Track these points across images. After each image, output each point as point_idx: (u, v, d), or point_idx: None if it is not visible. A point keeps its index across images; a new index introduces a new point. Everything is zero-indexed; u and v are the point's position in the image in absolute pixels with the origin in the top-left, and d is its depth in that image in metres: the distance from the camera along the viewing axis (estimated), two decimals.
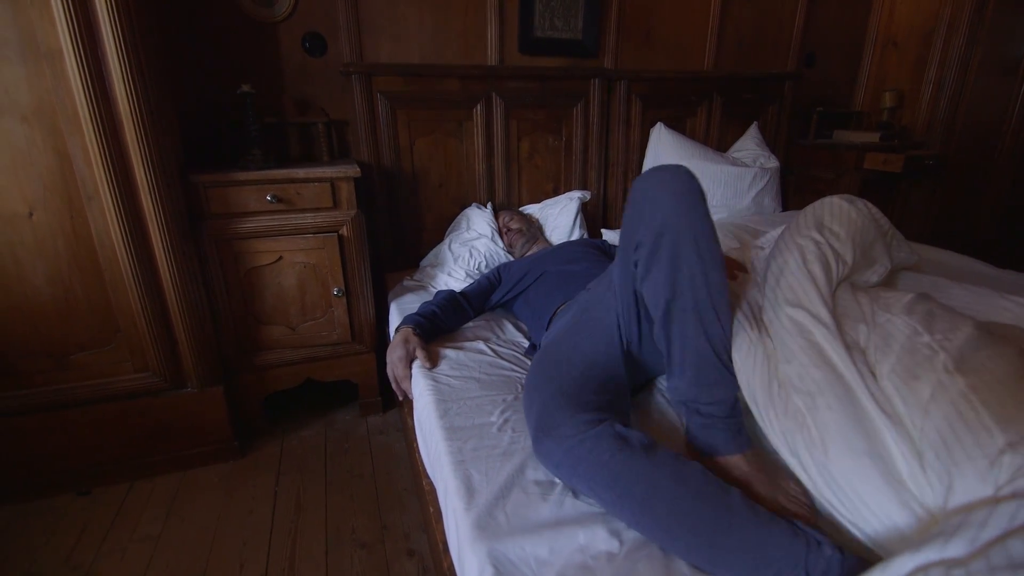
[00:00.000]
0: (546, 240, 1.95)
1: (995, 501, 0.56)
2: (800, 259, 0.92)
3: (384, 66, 1.82)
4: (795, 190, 2.62)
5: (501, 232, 1.90)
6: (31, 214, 1.28)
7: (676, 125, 2.29)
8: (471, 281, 1.76)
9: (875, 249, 1.05)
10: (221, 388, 1.55)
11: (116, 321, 1.42)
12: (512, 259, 1.83)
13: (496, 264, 1.80)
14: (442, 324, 1.35)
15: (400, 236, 2.00)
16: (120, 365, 1.45)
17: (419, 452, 1.23)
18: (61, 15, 1.16)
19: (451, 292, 1.45)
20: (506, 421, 1.03)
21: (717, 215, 2.05)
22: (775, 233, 1.33)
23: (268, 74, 1.75)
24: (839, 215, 0.99)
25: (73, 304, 1.38)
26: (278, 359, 1.66)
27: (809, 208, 1.04)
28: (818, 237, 0.96)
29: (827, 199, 1.04)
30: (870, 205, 1.08)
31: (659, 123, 2.24)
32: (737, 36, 2.39)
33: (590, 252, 1.55)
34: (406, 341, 1.25)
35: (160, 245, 1.37)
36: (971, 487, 0.59)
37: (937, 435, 0.66)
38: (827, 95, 2.71)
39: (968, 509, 0.58)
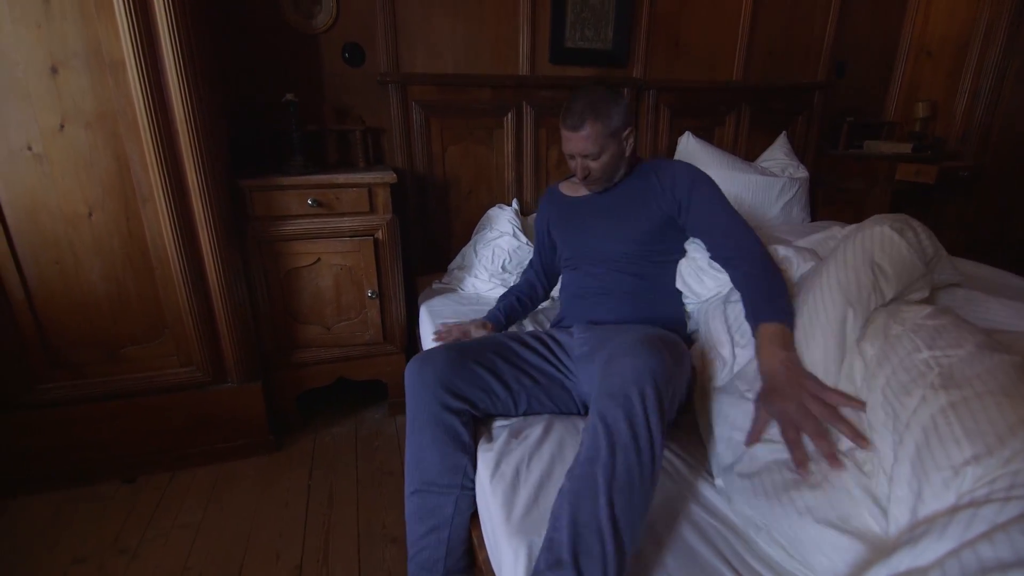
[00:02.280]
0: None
1: (953, 511, 0.58)
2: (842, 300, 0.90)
3: (419, 76, 1.88)
4: (824, 201, 2.60)
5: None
6: (90, 214, 1.36)
7: (704, 134, 2.30)
8: (495, 283, 1.79)
9: (917, 283, 0.99)
10: (260, 384, 1.62)
11: (164, 317, 1.49)
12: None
13: (519, 262, 1.79)
14: (514, 313, 1.42)
15: (430, 240, 2.05)
16: (167, 359, 1.53)
17: None
18: (125, 28, 1.24)
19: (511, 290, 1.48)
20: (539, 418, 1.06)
21: None
22: (806, 242, 1.32)
23: (310, 83, 1.82)
24: (891, 251, 0.92)
25: (125, 300, 1.45)
26: (313, 357, 1.71)
27: (859, 237, 0.96)
28: (865, 280, 0.89)
29: (879, 228, 0.95)
30: (919, 230, 1.02)
31: (687, 132, 2.25)
32: (767, 45, 2.39)
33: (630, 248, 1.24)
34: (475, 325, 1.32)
35: (208, 246, 1.43)
36: (937, 496, 0.61)
37: (913, 446, 0.67)
38: (858, 105, 2.69)
39: (931, 520, 0.60)
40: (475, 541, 1.00)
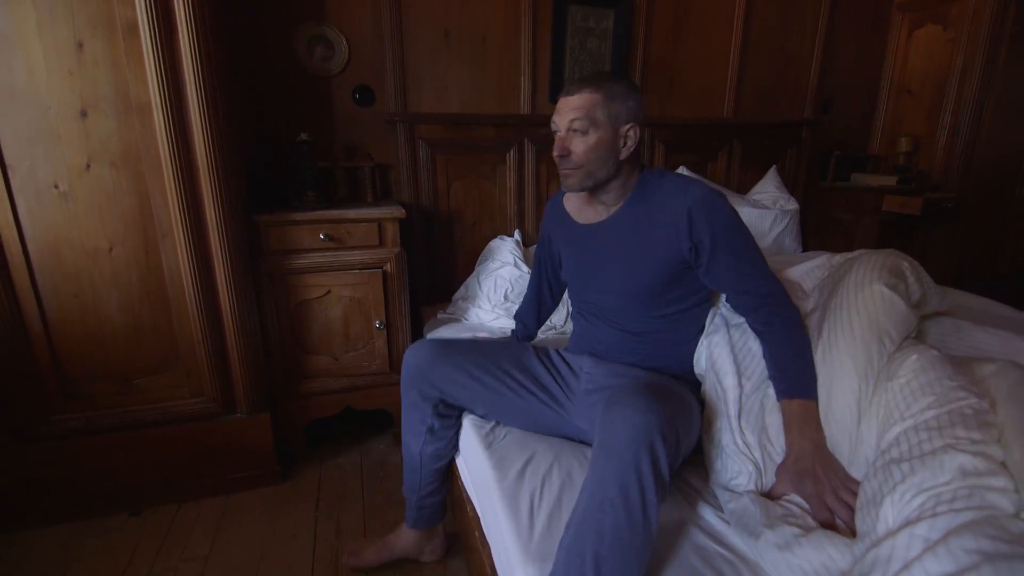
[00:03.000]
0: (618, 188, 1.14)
1: (893, 534, 0.65)
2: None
3: (426, 115, 1.96)
4: (815, 231, 2.69)
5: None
6: (111, 249, 1.41)
7: (698, 168, 2.40)
8: (498, 312, 1.84)
9: (912, 331, 1.05)
10: (268, 414, 1.64)
11: (177, 348, 1.52)
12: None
13: (520, 291, 1.82)
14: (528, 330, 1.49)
15: (435, 272, 2.10)
16: (178, 390, 1.55)
17: (461, 480, 1.29)
18: (154, 74, 1.31)
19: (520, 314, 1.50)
20: (549, 447, 1.09)
21: None
22: (793, 273, 1.38)
23: (321, 122, 1.90)
24: (893, 314, 0.96)
25: (140, 332, 1.48)
26: (321, 387, 1.74)
27: (861, 301, 0.99)
28: (875, 350, 0.93)
29: (878, 289, 1.00)
30: (907, 272, 1.07)
31: (682, 167, 2.34)
32: (756, 85, 2.51)
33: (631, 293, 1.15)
34: None
35: (223, 279, 1.48)
36: (888, 517, 0.69)
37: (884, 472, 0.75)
38: (844, 139, 2.81)
39: (879, 542, 0.67)
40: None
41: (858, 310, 0.97)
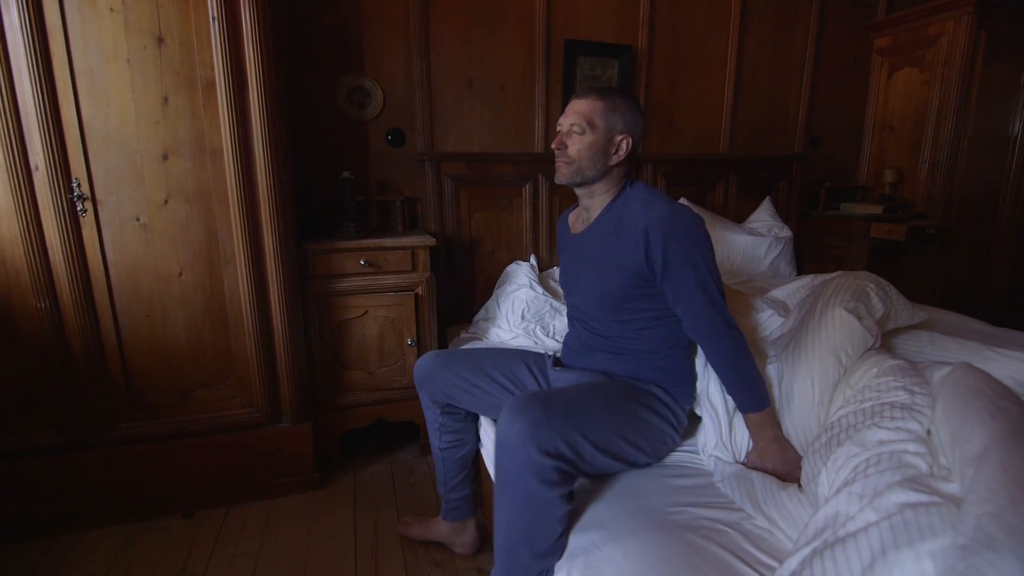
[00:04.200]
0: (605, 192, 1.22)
1: (836, 494, 0.82)
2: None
3: (451, 154, 2.19)
4: (809, 257, 2.87)
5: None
6: (180, 274, 1.60)
7: (697, 199, 2.60)
8: (516, 331, 1.99)
9: (872, 344, 1.22)
10: (310, 424, 1.79)
11: (233, 363, 1.69)
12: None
13: (536, 311, 1.97)
14: None
15: (457, 294, 2.28)
16: (231, 401, 1.71)
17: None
18: (226, 124, 1.53)
19: None
20: None
21: (736, 280, 2.30)
22: (780, 292, 1.57)
23: (358, 161, 2.13)
24: (851, 335, 1.15)
25: (201, 348, 1.66)
26: (356, 400, 1.90)
27: (825, 326, 1.18)
28: (832, 367, 1.12)
29: (839, 313, 1.18)
30: (872, 293, 1.27)
31: (683, 198, 2.55)
32: (748, 124, 2.74)
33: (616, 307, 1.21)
34: None
35: (276, 301, 1.67)
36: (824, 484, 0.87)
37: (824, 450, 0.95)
38: (833, 172, 3.02)
39: (826, 504, 0.83)
40: None
41: (819, 331, 1.17)
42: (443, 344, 2.10)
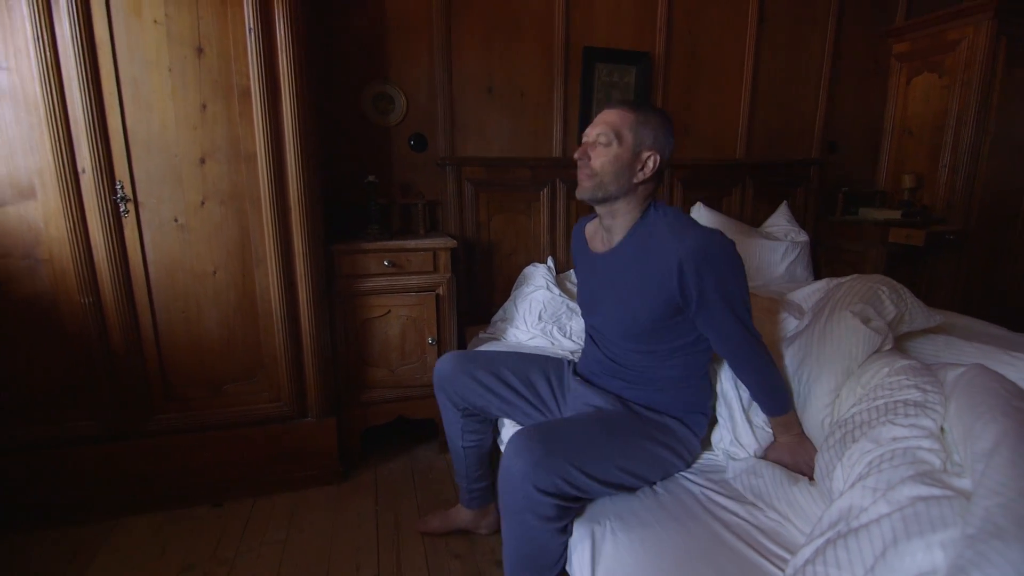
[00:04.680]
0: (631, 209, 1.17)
1: (851, 488, 0.85)
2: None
3: (471, 159, 2.24)
4: (827, 261, 2.87)
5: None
6: (215, 272, 1.67)
7: (713, 203, 2.63)
8: (534, 332, 2.03)
9: (882, 346, 1.24)
10: (334, 419, 1.85)
11: (262, 359, 1.76)
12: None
13: (553, 312, 2.00)
14: None
15: (476, 295, 2.33)
16: (259, 395, 1.78)
17: None
18: (260, 130, 1.61)
19: None
20: None
21: (753, 283, 2.32)
22: (798, 294, 1.59)
23: (381, 165, 2.19)
24: (857, 338, 1.18)
25: (232, 344, 1.73)
26: (378, 397, 1.96)
27: (833, 329, 1.22)
28: (840, 368, 1.16)
29: (847, 316, 1.22)
30: (884, 297, 1.29)
31: (699, 202, 2.57)
32: (765, 129, 2.76)
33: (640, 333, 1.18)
34: None
35: (305, 299, 1.73)
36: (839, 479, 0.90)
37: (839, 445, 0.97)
38: (851, 176, 3.02)
39: (840, 497, 0.86)
40: None
41: (825, 334, 1.20)
42: (462, 343, 2.15)
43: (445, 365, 1.42)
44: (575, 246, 1.41)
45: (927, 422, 0.88)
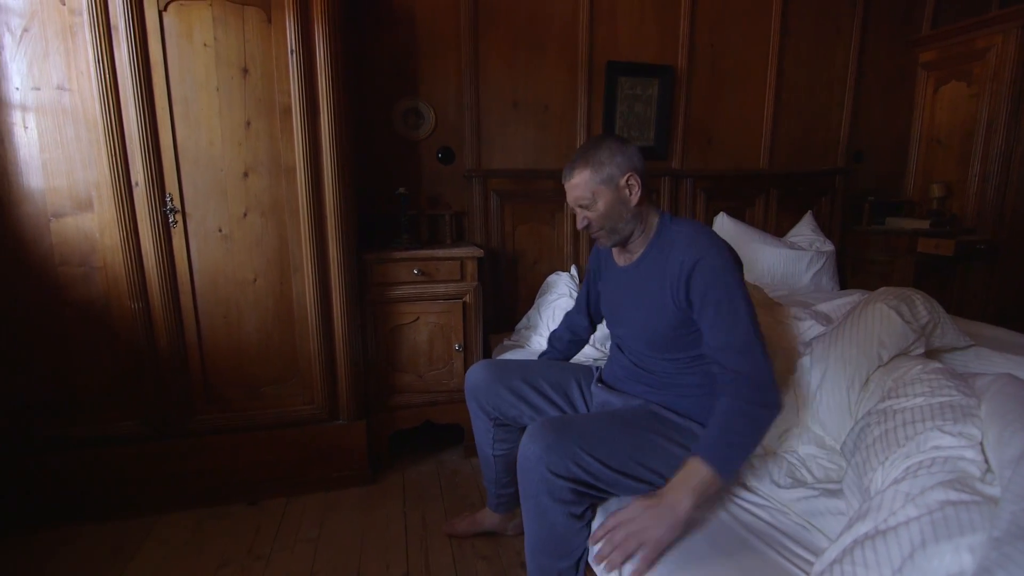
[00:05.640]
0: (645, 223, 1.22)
1: (883, 491, 0.85)
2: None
3: (497, 171, 2.31)
4: (853, 271, 2.85)
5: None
6: (255, 280, 1.76)
7: (736, 213, 2.64)
8: None
9: (912, 345, 1.24)
10: (364, 422, 1.91)
11: (297, 362, 1.83)
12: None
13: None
14: (557, 352, 1.62)
15: (500, 303, 2.38)
16: (294, 398, 1.85)
17: None
18: (300, 145, 1.69)
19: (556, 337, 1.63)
20: None
21: (777, 293, 2.32)
22: (826, 306, 1.60)
23: (410, 177, 2.27)
24: (888, 326, 1.19)
25: (269, 348, 1.81)
26: (406, 401, 2.01)
27: (864, 316, 1.24)
28: (866, 355, 1.17)
29: (880, 306, 1.23)
30: (918, 302, 1.29)
31: (722, 212, 2.59)
32: (789, 139, 2.77)
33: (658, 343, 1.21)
34: None
35: (338, 306, 1.80)
36: (878, 481, 0.90)
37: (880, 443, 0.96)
38: (877, 186, 3.00)
39: (873, 498, 0.86)
40: None
41: (858, 322, 1.20)
42: (487, 350, 2.20)
43: (478, 374, 1.43)
44: (597, 259, 1.45)
45: (974, 431, 0.88)
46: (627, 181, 1.15)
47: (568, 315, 1.63)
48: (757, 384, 1.02)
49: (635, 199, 1.17)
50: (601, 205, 1.16)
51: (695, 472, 0.98)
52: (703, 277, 1.07)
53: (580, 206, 1.19)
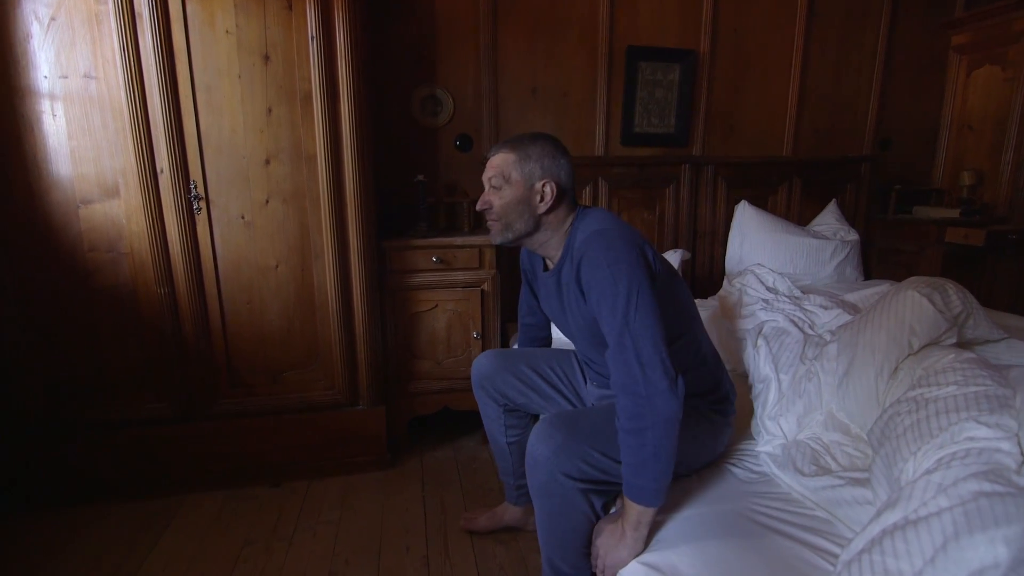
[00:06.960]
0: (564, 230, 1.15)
1: (914, 481, 0.83)
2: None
3: None
4: (879, 261, 2.78)
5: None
6: (277, 267, 1.78)
7: (758, 202, 2.59)
8: None
9: (944, 335, 1.20)
10: (384, 408, 1.94)
11: (318, 348, 1.86)
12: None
13: None
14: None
15: (517, 292, 2.37)
16: (316, 383, 1.88)
17: None
18: (320, 132, 1.70)
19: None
20: None
21: (801, 283, 2.28)
22: (854, 296, 1.57)
23: (428, 165, 2.27)
24: (919, 313, 1.17)
25: (291, 334, 1.83)
26: (425, 388, 2.03)
27: (895, 303, 1.22)
28: (896, 342, 1.15)
29: (911, 293, 1.21)
30: (951, 291, 1.26)
31: (743, 200, 2.54)
32: (813, 126, 2.70)
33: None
34: None
35: (359, 293, 1.82)
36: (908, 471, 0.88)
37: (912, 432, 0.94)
38: (904, 174, 2.91)
39: (904, 487, 0.85)
40: None
41: (888, 308, 1.18)
42: (505, 338, 2.20)
43: (484, 363, 1.44)
44: (528, 264, 1.40)
45: (1010, 422, 0.86)
46: (543, 187, 1.10)
47: (524, 325, 1.57)
48: (634, 396, 0.93)
49: (542, 208, 1.10)
50: (508, 194, 1.11)
51: (629, 508, 0.97)
52: (587, 274, 1.01)
53: (491, 186, 1.14)
